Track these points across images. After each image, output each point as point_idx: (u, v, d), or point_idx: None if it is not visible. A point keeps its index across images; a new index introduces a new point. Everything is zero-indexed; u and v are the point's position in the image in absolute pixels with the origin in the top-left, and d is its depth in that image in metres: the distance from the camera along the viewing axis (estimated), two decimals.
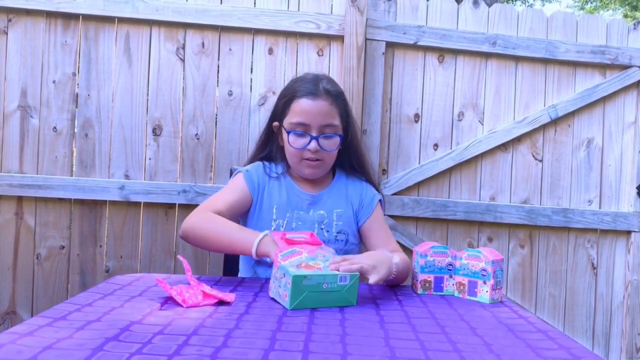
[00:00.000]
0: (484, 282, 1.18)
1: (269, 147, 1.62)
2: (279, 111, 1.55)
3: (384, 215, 1.68)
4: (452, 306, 1.13)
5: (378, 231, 1.54)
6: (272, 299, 1.11)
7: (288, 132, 1.49)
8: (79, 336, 0.79)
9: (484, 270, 1.18)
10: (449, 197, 2.36)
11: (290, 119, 1.49)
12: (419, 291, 1.25)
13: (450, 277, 1.25)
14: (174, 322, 0.89)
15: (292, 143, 1.48)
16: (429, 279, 1.25)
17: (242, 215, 1.55)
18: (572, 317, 2.43)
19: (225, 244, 1.33)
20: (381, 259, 1.24)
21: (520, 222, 2.37)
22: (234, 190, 1.50)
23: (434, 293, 1.25)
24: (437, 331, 0.92)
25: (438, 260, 1.24)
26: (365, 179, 1.63)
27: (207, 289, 1.07)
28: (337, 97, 1.52)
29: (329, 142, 1.49)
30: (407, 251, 2.29)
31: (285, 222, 1.49)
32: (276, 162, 1.60)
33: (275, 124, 1.57)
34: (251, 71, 2.25)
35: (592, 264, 2.44)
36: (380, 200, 1.61)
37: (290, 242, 1.17)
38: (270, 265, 1.47)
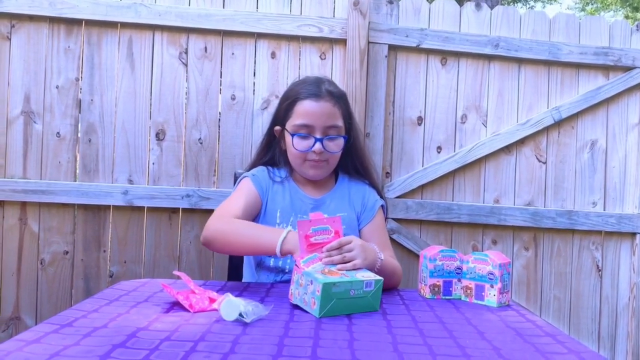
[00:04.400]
0: (491, 286, 1.18)
1: (271, 152, 1.62)
2: (281, 115, 1.55)
3: (386, 219, 1.67)
4: (460, 310, 1.12)
5: (377, 238, 1.52)
6: (294, 305, 1.10)
7: (292, 135, 1.48)
8: (85, 343, 0.79)
9: (491, 273, 1.18)
10: (452, 200, 2.35)
11: (294, 121, 1.49)
12: (428, 295, 1.25)
13: (459, 280, 1.25)
14: (181, 328, 0.89)
15: (296, 145, 1.47)
16: (438, 283, 1.24)
17: (252, 219, 1.54)
18: (577, 320, 2.42)
19: (250, 246, 1.33)
20: (369, 248, 1.25)
21: (525, 225, 2.36)
22: (244, 194, 1.49)
23: (443, 297, 1.25)
24: (445, 336, 0.91)
25: (447, 264, 1.24)
26: (368, 183, 1.63)
27: (214, 294, 1.07)
28: (339, 98, 1.53)
29: (333, 143, 1.49)
30: (412, 254, 2.29)
31: (289, 226, 1.48)
32: (279, 167, 1.60)
33: (277, 128, 1.57)
34: (254, 75, 2.25)
35: (597, 266, 2.43)
36: (382, 206, 1.60)
37: (312, 247, 1.16)
38: (271, 270, 1.46)
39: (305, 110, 1.47)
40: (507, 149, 2.37)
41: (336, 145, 1.50)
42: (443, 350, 0.83)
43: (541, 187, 2.41)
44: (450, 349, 0.84)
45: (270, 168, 1.59)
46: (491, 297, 1.18)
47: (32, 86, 2.13)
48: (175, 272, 1.15)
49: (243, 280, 1.63)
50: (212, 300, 1.05)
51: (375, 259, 1.25)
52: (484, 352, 0.83)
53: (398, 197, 2.29)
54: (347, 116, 1.55)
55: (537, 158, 2.40)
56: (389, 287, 1.34)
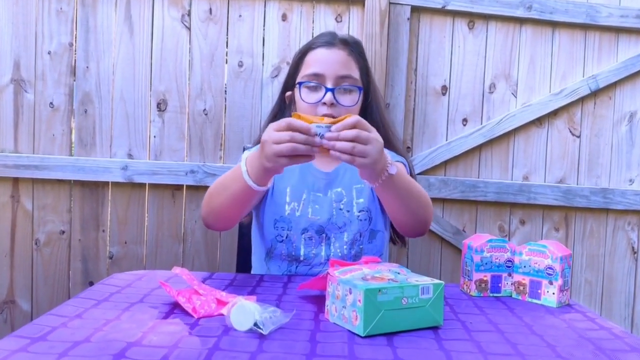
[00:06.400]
0: (550, 282, 1.00)
1: None
2: (292, 72, 1.41)
3: (412, 175, 1.47)
4: (514, 312, 0.95)
5: None
6: (320, 309, 0.92)
7: (300, 85, 1.32)
8: None
9: (550, 268, 1.00)
10: (478, 177, 2.18)
11: (304, 71, 1.34)
12: (473, 293, 1.07)
13: (509, 275, 1.07)
14: (182, 343, 0.71)
15: (304, 97, 1.31)
16: (485, 279, 1.06)
17: (258, 202, 1.37)
18: (609, 305, 2.26)
19: (231, 199, 1.16)
20: (385, 153, 1.08)
21: (556, 204, 2.18)
22: None
23: (491, 294, 1.07)
24: (510, 352, 0.74)
25: (496, 256, 1.05)
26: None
27: (222, 294, 0.89)
28: (355, 46, 1.38)
29: (346, 96, 1.32)
30: (433, 236, 2.12)
31: (301, 205, 1.32)
32: None
33: (288, 94, 1.40)
34: (263, 40, 2.05)
35: (633, 248, 2.26)
36: (404, 164, 1.42)
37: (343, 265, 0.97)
38: (283, 258, 1.30)
39: (317, 57, 1.33)
40: (538, 121, 2.18)
41: (351, 99, 1.33)
42: None
43: (574, 163, 2.22)
44: None
45: None
46: (549, 295, 1.00)
47: (22, 52, 1.95)
48: (175, 270, 0.94)
49: (252, 272, 1.47)
50: (220, 303, 0.87)
51: (385, 164, 1.08)
52: None
53: (419, 173, 2.11)
54: (365, 70, 1.39)
55: (570, 131, 2.21)
56: (418, 217, 1.21)
